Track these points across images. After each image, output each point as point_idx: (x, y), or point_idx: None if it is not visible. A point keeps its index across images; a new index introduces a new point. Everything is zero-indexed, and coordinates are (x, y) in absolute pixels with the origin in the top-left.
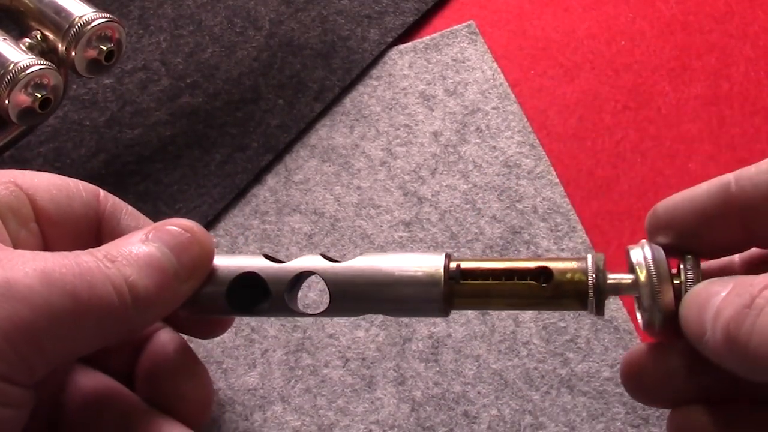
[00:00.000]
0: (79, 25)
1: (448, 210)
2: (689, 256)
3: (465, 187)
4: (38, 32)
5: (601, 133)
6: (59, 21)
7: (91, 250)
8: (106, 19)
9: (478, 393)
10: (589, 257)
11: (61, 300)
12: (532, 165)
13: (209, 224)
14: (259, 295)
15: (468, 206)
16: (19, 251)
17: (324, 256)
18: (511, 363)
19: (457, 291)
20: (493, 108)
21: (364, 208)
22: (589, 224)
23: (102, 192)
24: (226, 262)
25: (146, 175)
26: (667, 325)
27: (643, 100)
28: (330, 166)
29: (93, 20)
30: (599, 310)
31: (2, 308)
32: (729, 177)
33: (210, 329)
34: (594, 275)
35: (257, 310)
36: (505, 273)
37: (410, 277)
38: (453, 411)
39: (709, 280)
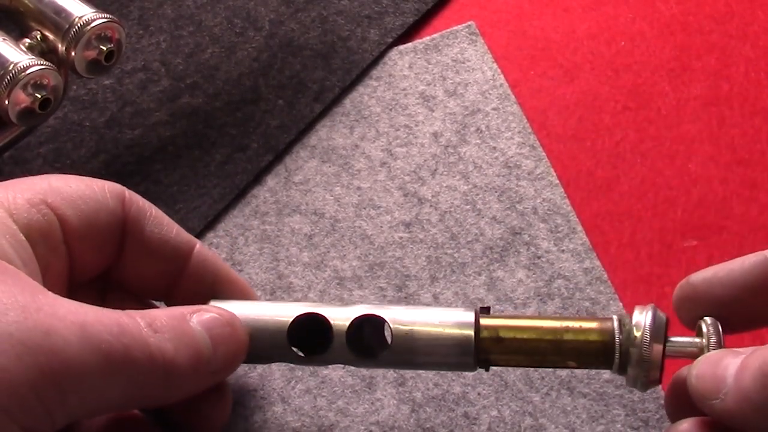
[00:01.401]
0: (78, 25)
1: (448, 211)
2: (708, 318)
3: (465, 188)
4: (38, 32)
5: (601, 134)
6: (59, 21)
7: (133, 313)
8: (105, 20)
9: (478, 394)
10: (615, 318)
11: (93, 357)
12: (532, 166)
13: (209, 225)
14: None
15: (468, 207)
16: (62, 299)
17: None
18: None
19: (486, 347)
20: (493, 109)
21: (364, 208)
22: (589, 225)
23: (127, 194)
24: (260, 309)
25: (146, 175)
26: (651, 385)
27: (642, 100)
28: (330, 166)
29: (93, 20)
30: (623, 370)
31: (35, 358)
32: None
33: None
34: (620, 337)
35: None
36: (534, 330)
37: (442, 332)
38: (453, 412)
39: (722, 349)
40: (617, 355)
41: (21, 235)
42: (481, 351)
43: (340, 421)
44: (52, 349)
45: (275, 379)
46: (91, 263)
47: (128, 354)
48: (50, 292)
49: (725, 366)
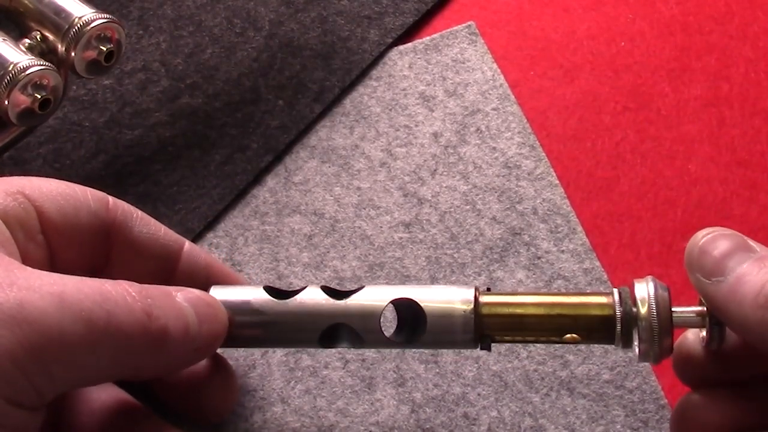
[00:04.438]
0: (78, 25)
1: (448, 211)
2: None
3: (465, 188)
4: (38, 33)
5: (601, 134)
6: (59, 22)
7: (122, 282)
8: (105, 20)
9: (478, 395)
10: (616, 291)
11: (74, 326)
12: (532, 166)
13: (209, 225)
14: None
15: (468, 207)
16: (39, 272)
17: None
18: (511, 365)
19: (487, 323)
20: (493, 109)
21: (364, 209)
22: (589, 225)
23: (111, 200)
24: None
25: (146, 176)
26: (664, 355)
27: (643, 101)
28: (330, 167)
29: (92, 21)
30: (627, 343)
31: (12, 331)
32: None
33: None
34: (620, 309)
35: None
36: (534, 305)
37: (442, 309)
38: (453, 413)
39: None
40: (618, 327)
41: None
42: (481, 327)
43: (340, 421)
44: (27, 320)
45: (275, 379)
46: (74, 261)
47: (113, 320)
48: (28, 267)
49: (729, 256)
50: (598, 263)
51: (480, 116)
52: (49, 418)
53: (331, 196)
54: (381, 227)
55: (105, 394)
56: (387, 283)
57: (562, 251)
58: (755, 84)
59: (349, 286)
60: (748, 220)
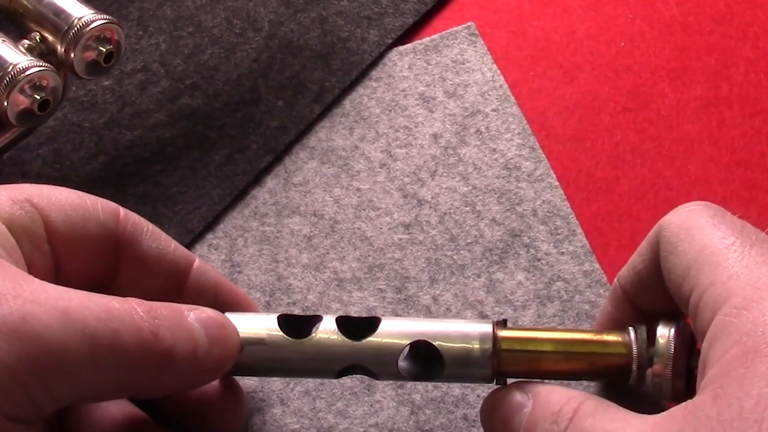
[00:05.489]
0: (78, 26)
1: (448, 212)
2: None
3: (465, 189)
4: (37, 34)
5: (601, 135)
6: (58, 22)
7: (130, 300)
8: (105, 21)
9: (478, 396)
10: (632, 330)
11: (77, 342)
12: (531, 167)
13: (209, 226)
14: None
15: (468, 209)
16: (46, 285)
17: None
18: None
19: (503, 362)
20: (493, 110)
21: (364, 210)
22: (589, 226)
23: (122, 212)
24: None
25: (145, 176)
26: (677, 395)
27: (642, 101)
28: (329, 167)
29: (92, 22)
30: (641, 381)
31: (12, 345)
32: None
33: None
34: (637, 349)
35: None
36: (551, 343)
37: (459, 350)
38: (452, 414)
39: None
40: (634, 367)
41: (3, 226)
42: (498, 366)
43: (340, 422)
44: (29, 334)
45: (274, 380)
46: (81, 272)
47: (117, 339)
48: (36, 279)
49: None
50: (597, 265)
51: (480, 117)
52: (52, 428)
53: (331, 197)
54: (381, 228)
55: (112, 406)
56: (399, 314)
57: (562, 253)
58: (755, 84)
59: (348, 287)
60: (748, 220)
